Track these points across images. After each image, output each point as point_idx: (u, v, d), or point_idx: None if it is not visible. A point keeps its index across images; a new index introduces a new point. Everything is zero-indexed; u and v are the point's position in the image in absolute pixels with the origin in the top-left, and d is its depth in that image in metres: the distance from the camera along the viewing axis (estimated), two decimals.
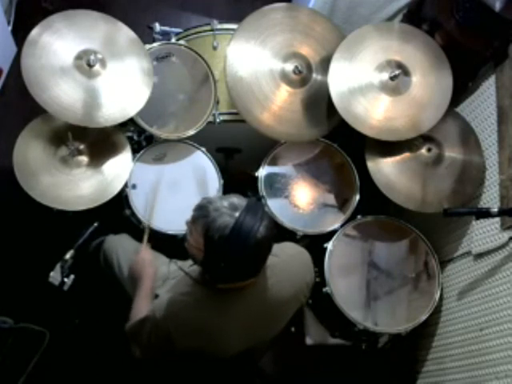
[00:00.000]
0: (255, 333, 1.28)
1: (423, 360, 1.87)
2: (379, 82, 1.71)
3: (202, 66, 1.79)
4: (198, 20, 2.67)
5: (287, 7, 1.81)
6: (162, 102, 1.77)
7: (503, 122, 1.66)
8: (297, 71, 1.74)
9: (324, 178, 1.87)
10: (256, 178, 1.81)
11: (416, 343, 1.91)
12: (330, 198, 1.85)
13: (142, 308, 1.36)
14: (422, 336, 1.87)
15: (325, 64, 1.75)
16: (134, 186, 1.73)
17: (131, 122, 1.72)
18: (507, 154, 1.62)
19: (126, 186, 1.70)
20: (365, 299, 1.75)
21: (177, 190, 1.75)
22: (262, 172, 1.82)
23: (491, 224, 1.61)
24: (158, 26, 2.02)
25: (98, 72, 1.59)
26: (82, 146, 1.69)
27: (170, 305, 1.21)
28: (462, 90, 1.87)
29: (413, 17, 1.95)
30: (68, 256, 1.53)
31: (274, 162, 1.86)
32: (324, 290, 1.71)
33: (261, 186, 1.80)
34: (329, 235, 1.79)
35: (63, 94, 1.54)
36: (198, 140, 1.82)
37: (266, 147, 1.85)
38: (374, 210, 1.86)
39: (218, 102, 1.83)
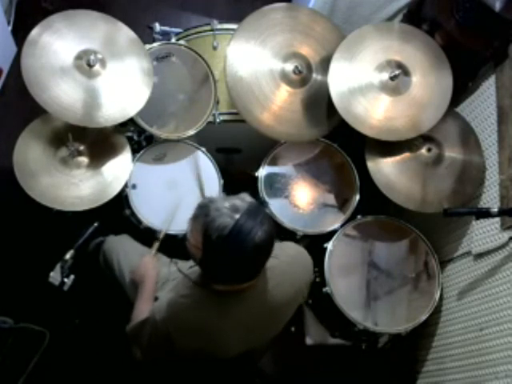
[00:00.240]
0: (255, 334, 1.28)
1: (423, 360, 1.87)
2: (379, 82, 1.71)
3: (202, 66, 1.79)
4: (198, 20, 2.67)
5: (287, 7, 1.81)
6: (162, 102, 1.77)
7: (503, 122, 1.66)
8: (297, 71, 1.74)
9: (324, 178, 1.87)
10: (256, 178, 1.81)
11: (416, 343, 1.91)
12: (330, 198, 1.85)
13: (143, 310, 1.37)
14: (422, 336, 1.87)
15: (325, 64, 1.75)
16: (134, 186, 1.73)
17: (131, 121, 1.72)
18: (507, 154, 1.62)
19: (126, 186, 1.70)
20: (365, 299, 1.75)
21: (177, 191, 1.75)
22: (262, 172, 1.82)
23: (491, 224, 1.61)
24: (157, 26, 2.02)
25: (97, 72, 1.59)
26: (81, 147, 1.69)
27: (169, 307, 1.21)
28: (462, 89, 1.87)
29: (413, 17, 1.95)
30: (68, 256, 1.53)
31: (273, 162, 1.86)
32: (324, 290, 1.72)
33: (261, 185, 1.80)
34: (329, 235, 1.79)
35: (63, 94, 1.54)
36: (198, 140, 1.82)
37: (266, 147, 1.85)
38: (374, 209, 1.86)
39: (218, 102, 1.83)
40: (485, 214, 1.49)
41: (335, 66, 1.71)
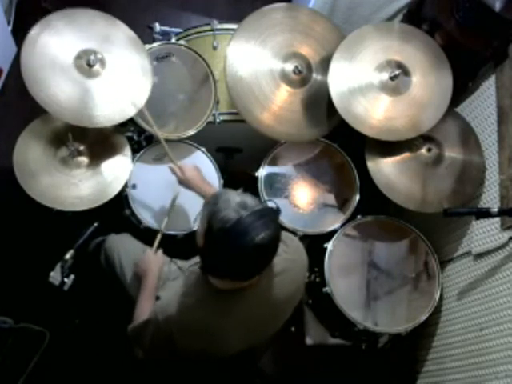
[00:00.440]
0: (256, 332, 1.28)
1: (423, 360, 1.87)
2: (379, 82, 1.71)
3: (202, 66, 1.79)
4: (198, 20, 2.67)
5: (287, 7, 1.81)
6: (162, 102, 1.77)
7: (503, 122, 1.66)
8: (297, 71, 1.74)
9: (324, 178, 1.87)
10: (256, 178, 1.81)
11: (416, 343, 1.91)
12: (330, 198, 1.85)
13: (145, 309, 1.37)
14: (422, 336, 1.87)
15: (325, 64, 1.75)
16: (134, 186, 1.73)
17: (131, 121, 1.72)
18: (507, 154, 1.62)
19: (126, 186, 1.70)
20: (365, 299, 1.75)
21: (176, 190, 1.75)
22: (262, 172, 1.82)
23: (491, 224, 1.61)
24: (157, 26, 2.02)
25: (97, 72, 1.59)
26: (81, 147, 1.69)
27: (171, 306, 1.21)
28: (462, 90, 1.87)
29: (413, 17, 1.95)
30: (68, 256, 1.53)
31: (273, 162, 1.86)
32: (324, 289, 1.71)
33: (261, 185, 1.80)
34: (329, 235, 1.79)
35: (63, 94, 1.54)
36: (198, 140, 1.82)
37: (265, 147, 1.85)
38: (374, 209, 1.86)
39: (218, 102, 1.83)
40: (485, 213, 1.49)
41: (335, 66, 1.71)
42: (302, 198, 1.83)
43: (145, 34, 1.83)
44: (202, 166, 1.81)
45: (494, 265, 1.58)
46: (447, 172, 1.77)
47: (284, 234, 1.27)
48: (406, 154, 1.79)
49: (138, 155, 1.77)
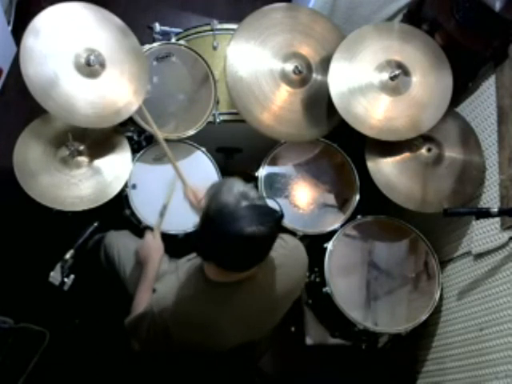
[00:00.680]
0: (252, 325, 1.28)
1: (423, 360, 1.87)
2: (379, 82, 1.71)
3: (202, 66, 1.79)
4: (198, 20, 2.67)
5: (287, 7, 1.81)
6: (161, 102, 1.77)
7: (503, 122, 1.66)
8: (297, 71, 1.74)
9: (324, 178, 1.87)
10: (256, 178, 1.81)
11: (416, 343, 1.91)
12: (330, 198, 1.85)
13: (143, 301, 1.37)
14: (422, 336, 1.87)
15: (325, 64, 1.75)
16: (134, 186, 1.73)
17: (131, 121, 1.72)
18: (507, 154, 1.62)
19: (126, 186, 1.70)
20: (365, 299, 1.75)
21: (176, 190, 1.75)
22: (262, 172, 1.82)
23: (491, 224, 1.61)
24: (157, 26, 2.02)
25: (97, 72, 1.59)
26: (81, 147, 1.69)
27: (167, 299, 1.21)
28: (462, 90, 1.87)
29: (413, 17, 1.95)
30: (68, 256, 1.53)
31: (273, 162, 1.86)
32: (324, 289, 1.71)
33: (261, 185, 1.80)
34: (329, 235, 1.79)
35: (63, 94, 1.54)
36: (198, 140, 1.82)
37: (265, 147, 1.85)
38: (374, 210, 1.86)
39: (218, 102, 1.83)
40: (485, 214, 1.49)
41: (335, 66, 1.71)
42: (302, 198, 1.83)
43: (145, 34, 1.83)
44: (202, 165, 1.82)
45: (494, 265, 1.58)
46: (447, 172, 1.77)
47: (283, 234, 1.27)
48: (406, 154, 1.79)
49: (138, 155, 1.77)
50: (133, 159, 1.75)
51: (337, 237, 1.79)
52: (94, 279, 1.81)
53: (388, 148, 1.76)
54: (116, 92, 1.61)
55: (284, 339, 1.54)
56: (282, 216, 1.12)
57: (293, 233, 1.75)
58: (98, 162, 1.71)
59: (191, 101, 1.81)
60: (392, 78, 1.69)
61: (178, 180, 1.70)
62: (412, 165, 1.78)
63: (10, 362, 1.78)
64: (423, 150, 1.79)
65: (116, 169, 1.71)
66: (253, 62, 1.72)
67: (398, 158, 1.78)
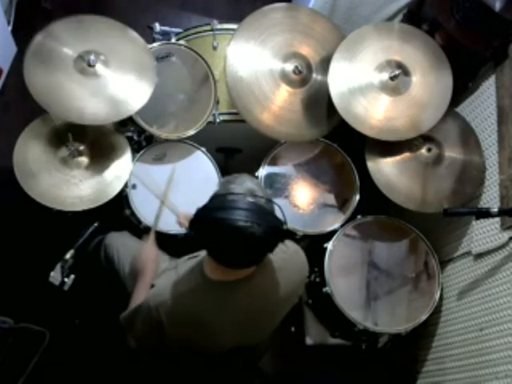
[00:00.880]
0: (248, 329, 1.28)
1: (423, 360, 1.87)
2: (379, 82, 1.71)
3: (202, 66, 1.79)
4: (198, 20, 2.67)
5: (287, 7, 1.81)
6: (162, 102, 1.77)
7: (503, 122, 1.66)
8: (297, 71, 1.74)
9: (324, 178, 1.87)
10: (256, 178, 1.81)
11: (416, 343, 1.91)
12: (330, 198, 1.85)
13: (139, 300, 1.37)
14: (422, 336, 1.87)
15: (325, 64, 1.75)
16: (133, 186, 1.73)
17: (131, 122, 1.72)
18: (507, 154, 1.62)
19: (126, 186, 1.70)
20: (365, 299, 1.75)
21: (177, 190, 1.75)
22: (262, 172, 1.82)
23: (491, 224, 1.61)
24: (157, 26, 2.02)
25: (98, 72, 1.59)
26: (81, 147, 1.69)
27: (164, 294, 1.21)
28: (462, 90, 1.87)
29: (413, 17, 1.95)
30: (68, 256, 1.53)
31: (273, 162, 1.86)
32: (324, 289, 1.71)
33: (259, 181, 1.80)
34: (329, 235, 1.79)
35: (63, 94, 1.54)
36: (198, 140, 1.82)
37: (266, 147, 1.85)
38: (374, 210, 1.86)
39: (218, 102, 1.83)
40: (485, 214, 1.49)
41: (335, 66, 1.71)
42: (302, 198, 1.83)
43: (145, 34, 1.82)
44: (202, 165, 1.82)
45: (494, 265, 1.58)
46: (447, 172, 1.77)
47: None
48: (406, 154, 1.79)
49: (138, 155, 1.77)
50: (133, 159, 1.75)
51: (337, 237, 1.79)
52: (94, 279, 1.81)
53: (388, 148, 1.76)
54: (117, 92, 1.61)
55: (284, 339, 1.54)
56: (283, 229, 1.11)
57: (293, 233, 1.75)
58: (97, 162, 1.71)
59: (191, 101, 1.81)
60: (392, 78, 1.69)
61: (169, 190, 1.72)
62: (412, 165, 1.78)
63: (10, 362, 1.78)
64: (423, 150, 1.79)
65: (116, 169, 1.71)
66: (253, 62, 1.72)
67: (397, 157, 1.78)
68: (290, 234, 1.75)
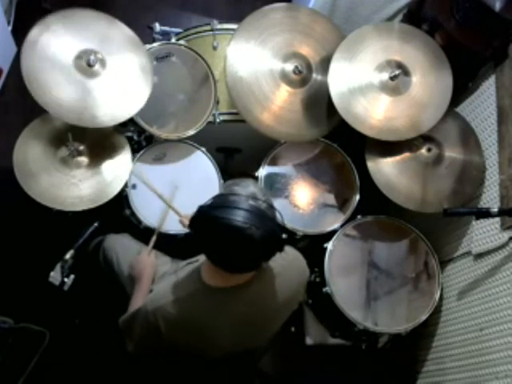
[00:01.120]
0: (245, 335, 1.27)
1: (423, 360, 1.87)
2: (379, 82, 1.71)
3: (202, 66, 1.79)
4: (198, 20, 2.67)
5: (287, 7, 1.81)
6: (161, 102, 1.77)
7: (503, 122, 1.66)
8: (297, 71, 1.74)
9: (324, 178, 1.87)
10: (256, 178, 1.81)
11: (416, 343, 1.91)
12: (330, 198, 1.85)
13: (136, 306, 1.37)
14: (422, 336, 1.87)
15: (325, 64, 1.75)
16: (134, 186, 1.73)
17: (131, 122, 1.72)
18: (507, 154, 1.62)
19: (126, 186, 1.70)
20: (365, 299, 1.75)
21: (176, 190, 1.75)
22: (262, 172, 1.82)
23: (491, 224, 1.61)
24: (157, 26, 2.02)
25: (97, 72, 1.59)
26: (81, 147, 1.69)
27: (161, 298, 1.21)
28: (462, 90, 1.87)
29: (413, 17, 1.95)
30: (68, 256, 1.53)
31: (273, 162, 1.86)
32: (324, 289, 1.71)
33: (261, 186, 1.80)
34: (329, 235, 1.79)
35: (63, 94, 1.54)
36: (198, 140, 1.82)
37: (265, 147, 1.85)
38: (374, 210, 1.86)
39: (218, 102, 1.83)
40: (485, 214, 1.49)
41: (335, 66, 1.71)
42: (302, 198, 1.83)
43: (145, 34, 1.83)
44: (202, 165, 1.82)
45: (494, 265, 1.58)
46: (447, 172, 1.77)
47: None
48: (406, 154, 1.79)
49: (138, 155, 1.77)
50: (133, 159, 1.75)
51: (337, 237, 1.79)
52: (93, 279, 1.81)
53: (388, 148, 1.76)
54: (117, 92, 1.61)
55: (284, 339, 1.54)
56: (282, 238, 1.12)
57: (293, 233, 1.75)
58: (97, 162, 1.71)
59: (191, 101, 1.81)
60: (392, 78, 1.69)
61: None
62: (412, 165, 1.78)
63: (10, 362, 1.78)
64: (423, 150, 1.79)
65: (116, 169, 1.71)
66: (253, 62, 1.72)
67: (398, 157, 1.78)
68: (290, 235, 1.76)
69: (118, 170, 1.71)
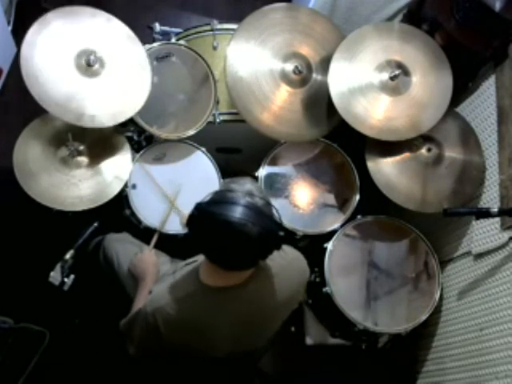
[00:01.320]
0: (244, 334, 1.27)
1: (423, 360, 1.87)
2: (379, 82, 1.71)
3: (202, 66, 1.79)
4: (198, 20, 2.67)
5: (287, 7, 1.81)
6: (161, 102, 1.77)
7: (503, 122, 1.66)
8: (297, 71, 1.74)
9: (324, 178, 1.87)
10: (256, 178, 1.81)
11: (416, 343, 1.91)
12: (330, 198, 1.85)
13: (141, 304, 1.37)
14: (422, 336, 1.87)
15: (325, 64, 1.75)
16: (134, 186, 1.73)
17: (131, 121, 1.72)
18: (507, 154, 1.62)
19: (126, 185, 1.70)
20: (365, 299, 1.75)
21: (177, 190, 1.75)
22: (262, 172, 1.82)
23: (491, 224, 1.61)
24: (157, 26, 2.02)
25: (97, 71, 1.59)
26: (81, 147, 1.69)
27: (160, 299, 1.21)
28: (462, 90, 1.87)
29: (413, 17, 1.95)
30: (68, 256, 1.53)
31: (273, 162, 1.86)
32: (324, 289, 1.71)
33: (261, 186, 1.80)
34: (329, 235, 1.79)
35: (63, 94, 1.54)
36: (198, 140, 1.82)
37: (266, 147, 1.85)
38: (374, 210, 1.86)
39: (218, 102, 1.83)
40: (485, 214, 1.49)
41: (335, 66, 1.71)
42: (302, 198, 1.83)
43: (145, 34, 1.83)
44: (202, 165, 1.82)
45: (494, 265, 1.58)
46: (447, 172, 1.77)
47: (284, 245, 1.27)
48: (406, 154, 1.79)
49: (138, 155, 1.77)
50: (133, 159, 1.75)
51: (337, 237, 1.79)
52: (93, 279, 1.81)
53: (388, 148, 1.76)
54: (117, 92, 1.61)
55: (284, 339, 1.54)
56: (279, 235, 1.11)
57: (293, 233, 1.75)
58: (97, 162, 1.71)
59: (191, 101, 1.81)
60: (392, 78, 1.69)
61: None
62: (412, 165, 1.78)
63: (10, 362, 1.78)
64: (423, 150, 1.79)
65: (116, 169, 1.71)
66: (253, 62, 1.72)
67: (398, 157, 1.78)
68: (290, 235, 1.76)
69: (118, 169, 1.71)
